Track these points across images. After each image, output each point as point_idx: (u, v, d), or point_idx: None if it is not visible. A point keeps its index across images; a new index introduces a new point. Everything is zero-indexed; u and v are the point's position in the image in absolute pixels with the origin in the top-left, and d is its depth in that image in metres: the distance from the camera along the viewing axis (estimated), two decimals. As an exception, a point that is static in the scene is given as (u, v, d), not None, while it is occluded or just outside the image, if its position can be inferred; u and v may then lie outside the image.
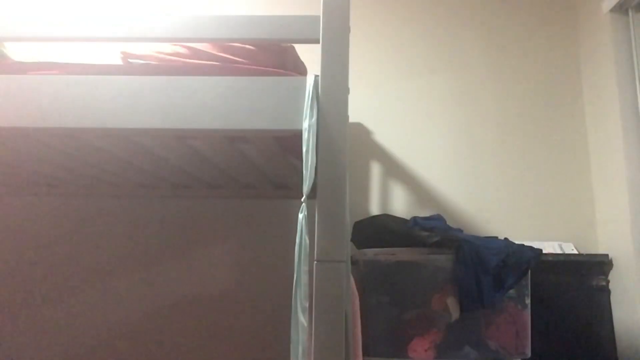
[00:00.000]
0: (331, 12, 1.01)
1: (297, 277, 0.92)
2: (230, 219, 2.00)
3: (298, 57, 1.27)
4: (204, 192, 1.97)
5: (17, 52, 1.43)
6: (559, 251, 1.85)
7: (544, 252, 1.64)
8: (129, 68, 1.15)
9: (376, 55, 2.16)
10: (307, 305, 0.91)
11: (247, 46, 1.13)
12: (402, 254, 1.60)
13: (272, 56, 1.15)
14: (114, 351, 1.92)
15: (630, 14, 1.88)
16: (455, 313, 1.53)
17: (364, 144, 2.08)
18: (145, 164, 1.47)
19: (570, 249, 1.87)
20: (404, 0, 2.22)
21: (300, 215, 0.93)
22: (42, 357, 1.91)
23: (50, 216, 2.01)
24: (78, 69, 1.09)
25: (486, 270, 1.51)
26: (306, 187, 0.93)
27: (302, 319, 0.90)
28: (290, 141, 1.05)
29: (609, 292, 1.80)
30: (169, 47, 1.19)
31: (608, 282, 1.80)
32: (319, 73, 1.00)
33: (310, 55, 1.14)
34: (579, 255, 1.85)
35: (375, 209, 2.03)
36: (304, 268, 0.92)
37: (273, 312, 1.92)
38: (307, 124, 0.95)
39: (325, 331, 0.90)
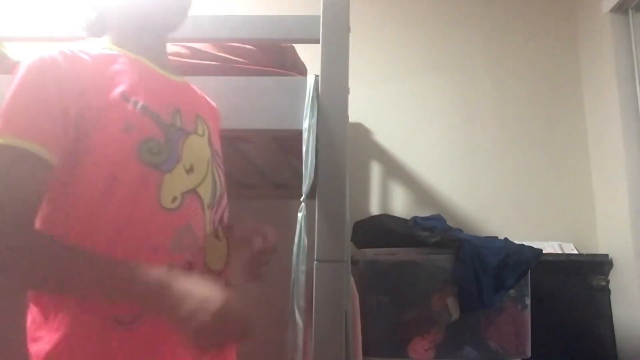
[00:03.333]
0: (331, 12, 1.01)
1: (294, 277, 0.92)
2: (230, 219, 2.00)
3: (298, 57, 1.27)
4: (204, 192, 1.96)
5: (17, 52, 1.42)
6: (559, 251, 1.85)
7: (544, 252, 1.64)
8: (129, 68, 1.15)
9: (376, 55, 2.16)
10: (303, 305, 0.91)
11: (247, 46, 1.13)
12: (402, 254, 1.60)
13: (272, 56, 1.15)
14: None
15: (630, 14, 1.87)
16: (455, 313, 1.53)
17: (364, 144, 2.08)
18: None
19: (570, 249, 1.87)
20: (404, 0, 2.22)
21: (300, 215, 0.94)
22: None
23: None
24: (78, 69, 1.08)
25: (486, 270, 1.51)
26: (306, 187, 0.93)
27: (298, 319, 0.91)
28: (290, 141, 1.05)
29: (609, 292, 1.80)
30: (169, 47, 1.18)
31: (608, 282, 1.80)
32: (319, 73, 1.00)
33: (310, 55, 1.13)
34: (579, 255, 1.84)
35: (375, 209, 2.02)
36: (302, 268, 0.92)
37: (272, 312, 1.92)
38: (307, 124, 0.95)
39: (325, 331, 0.90)
